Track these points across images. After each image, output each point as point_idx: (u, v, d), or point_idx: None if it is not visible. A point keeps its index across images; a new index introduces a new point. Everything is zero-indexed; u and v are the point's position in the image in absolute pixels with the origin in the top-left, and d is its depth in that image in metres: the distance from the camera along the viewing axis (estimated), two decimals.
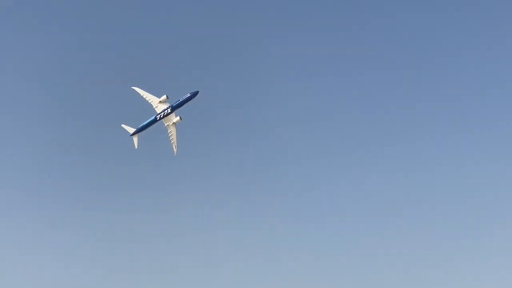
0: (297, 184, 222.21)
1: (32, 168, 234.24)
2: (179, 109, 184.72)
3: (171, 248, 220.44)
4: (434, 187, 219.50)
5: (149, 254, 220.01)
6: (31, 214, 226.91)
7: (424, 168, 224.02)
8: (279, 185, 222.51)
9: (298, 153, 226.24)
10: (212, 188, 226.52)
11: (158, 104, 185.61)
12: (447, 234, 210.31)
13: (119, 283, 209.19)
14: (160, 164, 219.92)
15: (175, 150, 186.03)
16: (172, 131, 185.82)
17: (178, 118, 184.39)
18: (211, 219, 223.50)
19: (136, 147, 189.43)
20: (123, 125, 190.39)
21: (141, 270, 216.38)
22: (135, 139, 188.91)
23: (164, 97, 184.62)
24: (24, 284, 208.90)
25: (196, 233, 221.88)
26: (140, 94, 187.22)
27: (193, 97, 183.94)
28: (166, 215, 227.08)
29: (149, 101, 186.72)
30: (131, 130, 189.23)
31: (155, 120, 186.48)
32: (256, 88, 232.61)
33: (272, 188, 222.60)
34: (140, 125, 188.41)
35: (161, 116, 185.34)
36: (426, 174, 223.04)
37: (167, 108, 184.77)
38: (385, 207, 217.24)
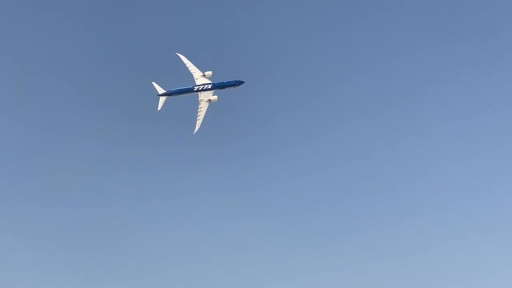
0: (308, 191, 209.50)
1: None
2: (218, 90, 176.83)
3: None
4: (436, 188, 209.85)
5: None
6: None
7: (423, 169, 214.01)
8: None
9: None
10: (215, 179, 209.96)
11: (200, 77, 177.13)
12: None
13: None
14: (174, 136, 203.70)
15: (196, 128, 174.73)
16: (203, 108, 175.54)
17: (215, 97, 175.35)
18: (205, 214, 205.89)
19: (158, 108, 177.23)
20: (154, 83, 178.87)
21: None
22: (162, 100, 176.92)
23: (209, 72, 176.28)
24: None
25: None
26: (183, 62, 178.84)
27: (237, 85, 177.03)
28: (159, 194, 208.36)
29: (191, 71, 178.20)
30: (161, 90, 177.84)
31: (191, 90, 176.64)
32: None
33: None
34: (174, 89, 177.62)
35: (199, 88, 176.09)
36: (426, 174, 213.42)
37: (207, 84, 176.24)
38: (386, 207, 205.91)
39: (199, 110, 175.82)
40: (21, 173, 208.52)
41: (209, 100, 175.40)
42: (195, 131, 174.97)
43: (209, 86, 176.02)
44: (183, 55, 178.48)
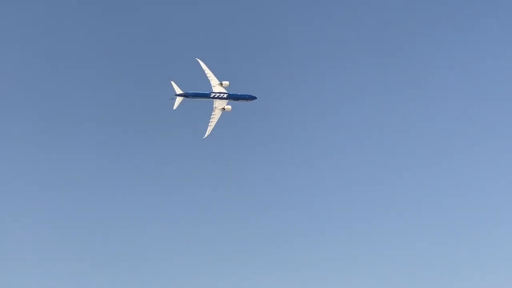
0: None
1: None
2: (232, 101, 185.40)
3: None
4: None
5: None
6: None
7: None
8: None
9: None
10: (218, 181, 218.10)
11: (217, 85, 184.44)
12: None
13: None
14: (183, 137, 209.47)
15: (207, 133, 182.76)
16: (216, 115, 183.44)
17: (229, 106, 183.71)
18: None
19: (174, 107, 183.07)
20: (172, 82, 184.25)
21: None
22: (178, 100, 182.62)
23: (226, 82, 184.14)
24: None
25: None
26: (202, 68, 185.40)
27: (250, 100, 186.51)
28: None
29: (209, 78, 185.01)
30: (179, 90, 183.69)
31: (207, 96, 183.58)
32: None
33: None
34: (192, 91, 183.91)
35: (215, 96, 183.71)
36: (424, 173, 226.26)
37: (223, 93, 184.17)
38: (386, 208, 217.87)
39: (212, 116, 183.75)
40: (36, 167, 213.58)
41: (223, 108, 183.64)
42: (205, 135, 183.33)
43: (224, 96, 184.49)
44: (203, 61, 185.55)
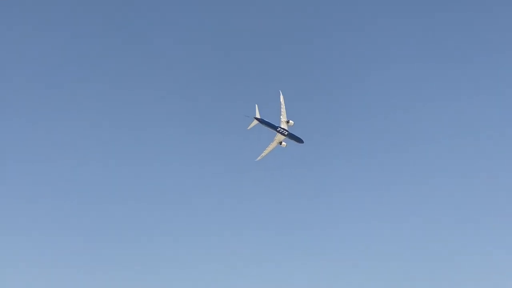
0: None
1: None
2: (288, 139, 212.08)
3: None
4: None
5: None
6: None
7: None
8: None
9: None
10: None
11: (284, 122, 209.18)
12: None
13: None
14: (237, 155, 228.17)
15: (259, 157, 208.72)
16: (273, 145, 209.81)
17: (284, 143, 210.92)
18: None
19: (248, 128, 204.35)
20: (256, 105, 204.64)
21: None
22: (254, 123, 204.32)
23: (292, 122, 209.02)
24: None
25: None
26: (280, 100, 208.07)
27: (299, 142, 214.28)
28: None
29: (281, 112, 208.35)
30: (258, 115, 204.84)
31: (275, 128, 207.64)
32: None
33: None
34: (267, 120, 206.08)
35: (280, 130, 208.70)
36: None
37: (285, 130, 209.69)
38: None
39: (269, 145, 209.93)
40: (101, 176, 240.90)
41: (280, 143, 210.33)
42: (258, 159, 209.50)
43: (285, 133, 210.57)
44: (283, 95, 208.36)
